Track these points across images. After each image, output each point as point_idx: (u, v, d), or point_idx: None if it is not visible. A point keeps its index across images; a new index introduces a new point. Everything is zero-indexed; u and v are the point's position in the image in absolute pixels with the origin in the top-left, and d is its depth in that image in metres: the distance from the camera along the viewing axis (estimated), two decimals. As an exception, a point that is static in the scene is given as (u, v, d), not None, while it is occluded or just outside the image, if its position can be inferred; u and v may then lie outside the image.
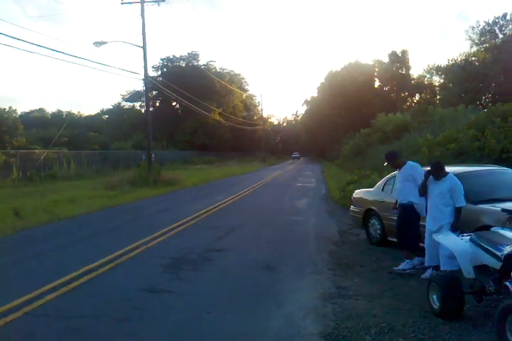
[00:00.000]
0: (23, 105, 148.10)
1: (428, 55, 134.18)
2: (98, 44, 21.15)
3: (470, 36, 44.85)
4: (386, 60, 59.39)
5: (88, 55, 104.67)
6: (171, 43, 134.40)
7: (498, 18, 42.94)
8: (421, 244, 6.28)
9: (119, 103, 64.80)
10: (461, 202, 5.70)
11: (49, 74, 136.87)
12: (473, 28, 44.90)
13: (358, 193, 9.51)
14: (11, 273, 6.70)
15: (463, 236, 4.96)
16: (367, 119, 37.32)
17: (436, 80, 53.59)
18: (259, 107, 75.14)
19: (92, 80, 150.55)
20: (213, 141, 59.25)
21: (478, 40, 43.74)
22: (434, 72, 51.89)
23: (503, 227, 4.70)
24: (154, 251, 7.92)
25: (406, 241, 6.48)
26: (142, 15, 22.30)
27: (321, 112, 60.99)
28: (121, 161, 34.79)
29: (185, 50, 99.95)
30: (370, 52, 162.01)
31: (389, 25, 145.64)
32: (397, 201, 6.73)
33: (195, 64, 61.39)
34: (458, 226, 5.61)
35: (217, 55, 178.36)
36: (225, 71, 67.45)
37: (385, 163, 7.01)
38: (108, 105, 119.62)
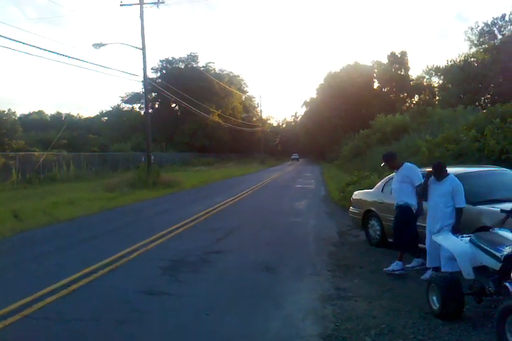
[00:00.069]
0: (22, 107, 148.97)
1: (427, 56, 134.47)
2: (97, 46, 21.23)
3: (469, 37, 44.92)
4: (385, 61, 59.54)
5: (87, 57, 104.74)
6: (170, 45, 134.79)
7: (496, 18, 43.01)
8: (421, 245, 6.28)
9: (119, 105, 65.03)
10: (462, 203, 5.73)
11: (48, 76, 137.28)
12: (472, 28, 44.98)
13: (357, 194, 9.49)
14: (10, 275, 6.69)
15: (462, 237, 4.97)
16: (366, 120, 37.33)
17: (436, 81, 53.65)
18: (259, 109, 75.24)
19: (91, 82, 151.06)
20: (212, 142, 59.24)
21: (477, 40, 43.77)
22: (433, 72, 51.85)
23: (501, 228, 4.70)
24: (153, 253, 7.91)
25: (403, 242, 6.48)
26: (141, 17, 22.31)
27: (320, 113, 61.10)
28: (120, 163, 34.77)
29: (185, 51, 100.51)
30: (369, 53, 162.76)
31: (388, 26, 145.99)
32: None
33: (195, 65, 61.38)
34: (459, 228, 5.62)
35: (216, 57, 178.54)
36: (224, 72, 67.48)
37: (382, 164, 7.04)
38: (107, 107, 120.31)
